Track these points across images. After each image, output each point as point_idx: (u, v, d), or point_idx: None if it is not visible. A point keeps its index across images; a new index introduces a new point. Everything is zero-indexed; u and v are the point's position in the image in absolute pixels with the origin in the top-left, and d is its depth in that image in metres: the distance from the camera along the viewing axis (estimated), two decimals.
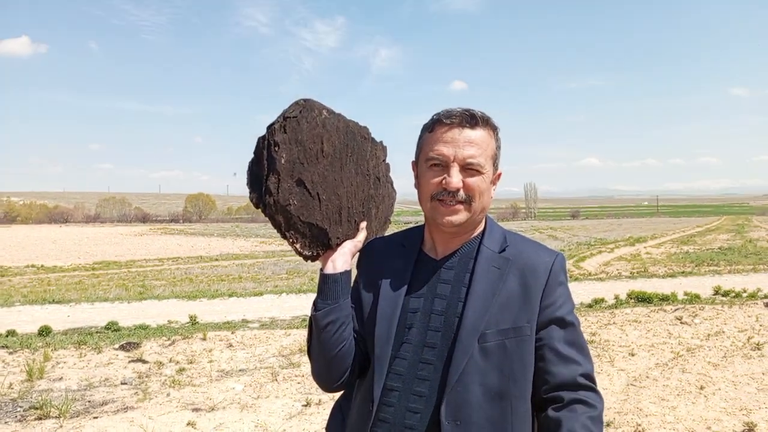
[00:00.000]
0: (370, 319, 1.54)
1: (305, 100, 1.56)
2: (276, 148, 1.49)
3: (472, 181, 1.47)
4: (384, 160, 1.79)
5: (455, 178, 1.45)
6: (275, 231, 1.61)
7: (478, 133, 1.48)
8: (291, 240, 1.58)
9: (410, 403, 1.44)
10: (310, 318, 1.55)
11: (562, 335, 1.45)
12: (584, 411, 1.39)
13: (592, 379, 1.44)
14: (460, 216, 1.48)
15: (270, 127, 1.53)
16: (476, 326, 1.42)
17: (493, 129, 1.53)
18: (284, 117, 1.52)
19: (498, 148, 1.54)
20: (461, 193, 1.46)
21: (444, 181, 1.46)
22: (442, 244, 1.56)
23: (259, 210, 1.58)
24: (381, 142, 1.77)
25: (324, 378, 1.57)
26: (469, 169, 1.47)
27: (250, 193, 1.58)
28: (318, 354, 1.54)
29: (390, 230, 1.79)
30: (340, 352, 1.52)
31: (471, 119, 1.48)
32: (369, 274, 1.62)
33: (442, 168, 1.47)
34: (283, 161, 1.49)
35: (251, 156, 1.59)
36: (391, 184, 1.83)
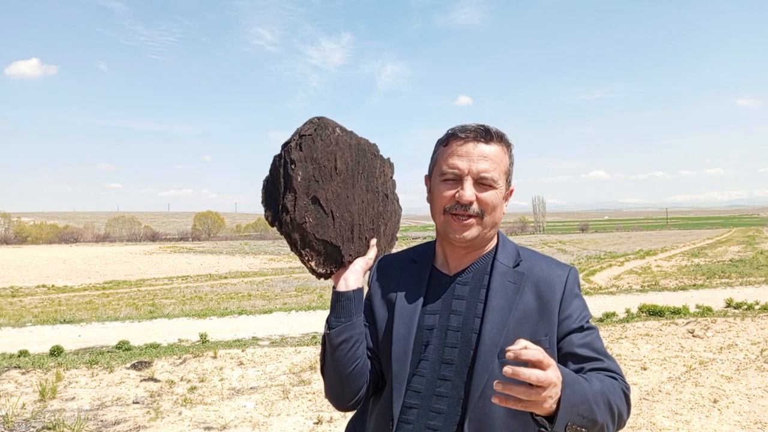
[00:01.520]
0: (386, 337, 1.54)
1: (319, 118, 1.58)
2: (293, 166, 1.51)
3: (485, 195, 1.48)
4: (391, 177, 1.80)
5: (468, 192, 1.46)
6: (284, 248, 1.63)
7: (493, 148, 1.50)
8: (306, 258, 1.59)
9: (429, 420, 1.44)
10: (324, 336, 1.55)
11: (582, 341, 1.47)
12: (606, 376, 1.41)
13: (616, 371, 1.44)
14: (473, 231, 1.49)
15: (286, 146, 1.55)
16: (495, 342, 1.43)
17: (507, 145, 1.55)
18: (300, 135, 1.54)
19: (511, 164, 1.56)
20: (474, 206, 1.47)
21: (457, 195, 1.47)
22: (454, 259, 1.57)
23: (274, 228, 1.59)
24: (389, 158, 1.79)
25: (338, 396, 1.57)
26: (482, 183, 1.48)
27: (266, 211, 1.59)
28: (332, 372, 1.53)
29: (397, 245, 1.81)
30: (354, 370, 1.52)
31: (486, 134, 1.50)
32: (382, 291, 1.63)
33: (456, 181, 1.49)
34: (299, 179, 1.51)
35: (263, 174, 1.59)
36: (397, 201, 1.85)
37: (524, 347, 1.12)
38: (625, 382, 1.42)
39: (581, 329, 1.48)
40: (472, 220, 1.48)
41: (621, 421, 1.35)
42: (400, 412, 1.47)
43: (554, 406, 1.16)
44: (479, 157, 1.48)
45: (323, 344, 1.56)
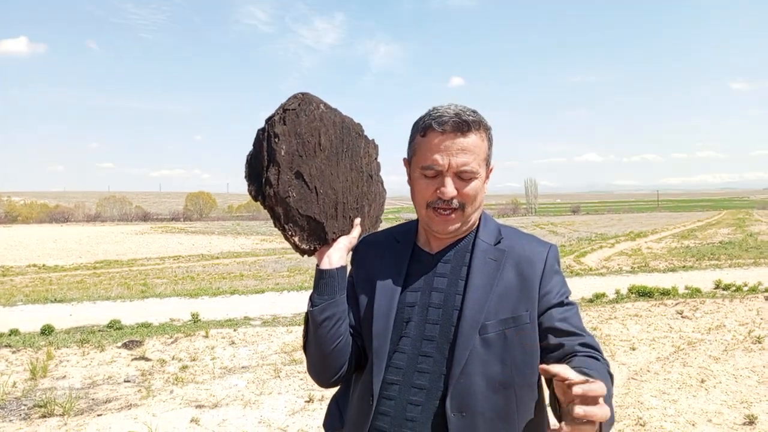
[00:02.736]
0: (367, 314, 1.56)
1: (303, 94, 1.58)
2: (276, 140, 1.51)
3: (467, 188, 1.49)
4: (376, 159, 1.79)
5: (449, 188, 1.47)
6: (276, 228, 1.62)
7: (470, 139, 1.49)
8: (290, 233, 1.59)
9: (411, 396, 1.46)
10: (307, 314, 1.56)
11: (562, 316, 1.49)
12: (591, 357, 1.42)
13: (595, 347, 1.46)
14: (455, 225, 1.52)
15: (270, 120, 1.54)
16: (476, 318, 1.45)
17: (486, 129, 1.55)
18: (284, 109, 1.53)
19: (490, 147, 1.56)
20: (455, 200, 1.49)
21: (439, 191, 1.49)
22: (437, 239, 1.58)
23: (258, 203, 1.58)
24: (373, 140, 1.78)
25: (320, 373, 1.59)
26: (462, 177, 1.49)
27: (249, 185, 1.58)
28: (314, 349, 1.55)
29: (388, 226, 1.80)
30: (337, 348, 1.53)
31: (462, 125, 1.49)
32: (364, 269, 1.64)
33: (436, 177, 1.50)
34: (282, 153, 1.51)
35: (250, 150, 1.60)
36: (382, 184, 1.84)
37: (585, 381, 1.15)
38: (606, 360, 1.45)
39: (561, 304, 1.51)
40: (453, 215, 1.50)
41: None
42: (381, 388, 1.48)
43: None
44: (458, 151, 1.48)
45: (306, 322, 1.57)
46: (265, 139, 1.53)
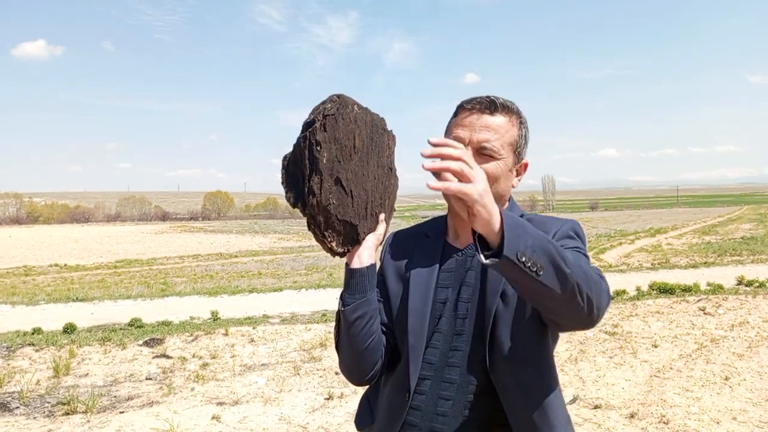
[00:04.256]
0: (401, 310, 1.55)
1: (339, 96, 1.54)
2: (318, 148, 1.47)
3: (486, 166, 1.47)
4: (393, 149, 1.78)
5: None
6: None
7: (497, 119, 1.49)
8: (329, 239, 1.56)
9: (442, 391, 1.45)
10: (338, 313, 1.54)
11: (566, 246, 1.40)
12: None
13: (601, 275, 1.34)
14: None
15: (310, 126, 1.51)
16: (496, 288, 1.44)
17: (517, 116, 1.54)
18: (324, 115, 1.50)
19: (521, 136, 1.54)
20: None
21: None
22: (465, 233, 1.57)
23: (296, 209, 1.56)
24: (391, 131, 1.77)
25: (354, 372, 1.57)
26: (483, 154, 1.47)
27: (287, 192, 1.55)
28: (347, 348, 1.54)
29: (406, 224, 1.78)
30: (370, 346, 1.52)
31: (491, 105, 1.50)
32: (395, 265, 1.63)
33: None
34: (324, 161, 1.48)
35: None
36: (396, 172, 1.83)
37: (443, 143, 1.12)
38: (599, 277, 1.31)
39: (568, 238, 1.46)
40: None
41: (595, 301, 1.25)
42: (416, 384, 1.48)
43: (496, 227, 1.13)
44: (481, 128, 1.48)
45: (338, 321, 1.55)
46: (306, 148, 1.50)
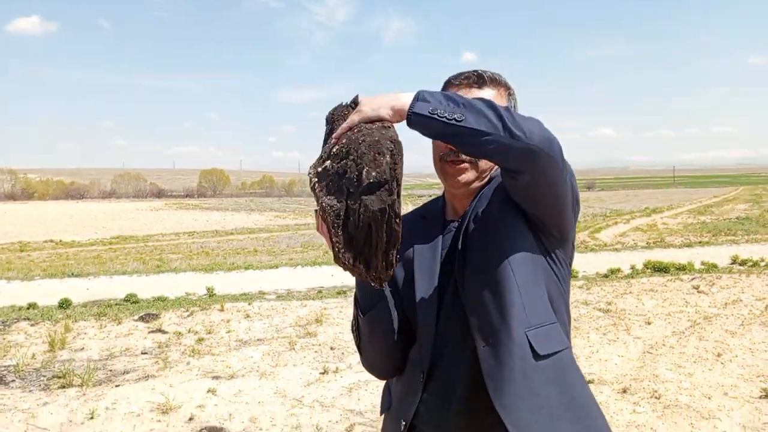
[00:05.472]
0: (409, 296, 1.53)
1: (393, 142, 1.29)
2: (397, 220, 1.30)
3: None
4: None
5: None
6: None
7: (485, 92, 1.47)
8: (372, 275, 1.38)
9: (452, 367, 1.45)
10: (356, 317, 1.53)
11: None
12: None
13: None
14: (468, 174, 1.46)
15: (389, 194, 1.27)
16: (483, 240, 1.43)
17: (506, 88, 1.52)
18: (397, 182, 1.28)
19: (511, 107, 1.51)
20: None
21: None
22: (462, 207, 1.54)
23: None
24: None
25: (382, 369, 1.58)
26: None
27: (345, 252, 1.32)
28: (369, 348, 1.54)
29: (402, 203, 1.73)
30: (391, 342, 1.52)
31: (479, 79, 1.48)
32: (400, 252, 1.61)
33: None
34: (401, 228, 1.31)
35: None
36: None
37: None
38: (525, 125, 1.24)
39: None
40: (465, 165, 1.45)
41: (526, 127, 1.21)
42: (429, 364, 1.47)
43: (403, 108, 1.23)
44: None
45: (356, 326, 1.54)
46: (385, 221, 1.28)
